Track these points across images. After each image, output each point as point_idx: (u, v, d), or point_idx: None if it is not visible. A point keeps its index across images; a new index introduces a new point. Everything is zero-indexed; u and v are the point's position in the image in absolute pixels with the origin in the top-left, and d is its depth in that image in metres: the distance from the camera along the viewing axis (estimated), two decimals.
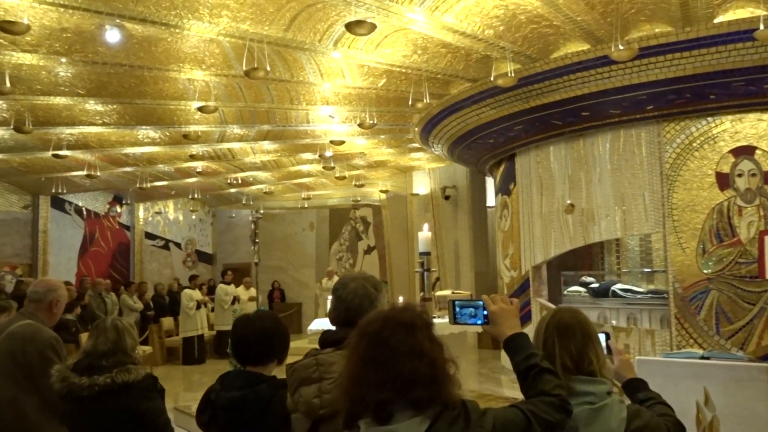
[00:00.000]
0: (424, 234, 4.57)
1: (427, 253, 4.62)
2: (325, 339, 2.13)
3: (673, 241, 7.69)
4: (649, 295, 9.04)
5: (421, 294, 4.89)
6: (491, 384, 9.43)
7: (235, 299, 12.62)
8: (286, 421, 2.19)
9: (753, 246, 7.13)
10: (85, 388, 2.82)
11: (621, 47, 6.09)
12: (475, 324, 2.08)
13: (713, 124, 7.51)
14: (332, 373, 1.96)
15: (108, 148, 10.68)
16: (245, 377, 2.46)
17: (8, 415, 3.22)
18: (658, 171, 7.85)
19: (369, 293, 2.16)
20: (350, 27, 5.44)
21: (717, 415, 3.33)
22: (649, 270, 9.83)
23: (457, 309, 2.12)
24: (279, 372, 2.56)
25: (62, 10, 5.52)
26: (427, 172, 14.84)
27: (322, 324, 9.92)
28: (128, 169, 12.56)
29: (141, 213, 17.22)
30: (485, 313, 2.01)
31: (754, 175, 7.31)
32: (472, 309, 2.08)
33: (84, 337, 10.32)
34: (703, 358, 3.66)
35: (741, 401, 3.16)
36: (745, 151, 7.36)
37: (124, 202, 16.67)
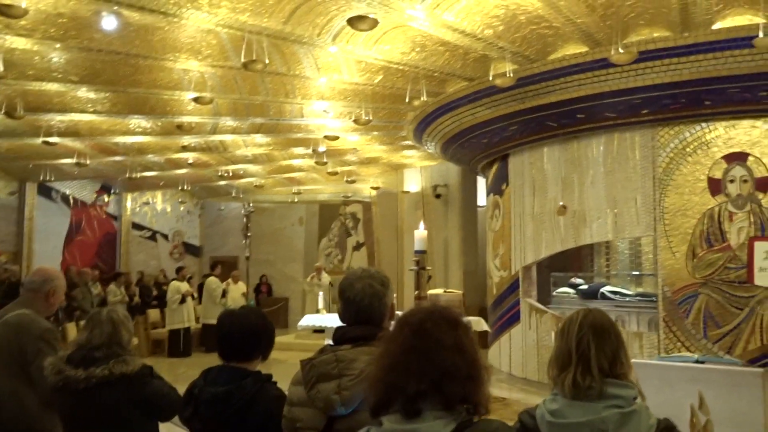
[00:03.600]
0: (420, 232, 4.54)
1: (423, 252, 4.59)
2: (342, 335, 2.09)
3: (664, 245, 7.74)
4: (638, 298, 9.10)
5: (416, 292, 4.85)
6: None
7: (225, 292, 12.53)
8: (271, 414, 2.18)
9: (742, 251, 7.19)
10: (81, 381, 2.75)
11: (621, 50, 6.10)
12: None
13: (707, 130, 7.56)
14: (352, 370, 1.94)
15: (98, 137, 10.56)
16: (229, 372, 2.45)
17: (9, 407, 3.14)
18: (651, 175, 7.89)
19: (377, 291, 2.13)
20: (352, 22, 5.42)
21: (711, 419, 3.35)
22: (638, 273, 9.89)
23: None
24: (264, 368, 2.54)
25: None
26: (418, 170, 14.82)
27: (312, 320, 9.90)
28: (118, 158, 12.43)
29: (129, 203, 17.10)
30: None
31: (745, 181, 7.37)
32: None
33: (69, 327, 10.21)
34: (698, 362, 3.69)
35: (736, 405, 3.19)
36: (737, 158, 7.41)
37: (112, 191, 16.51)
